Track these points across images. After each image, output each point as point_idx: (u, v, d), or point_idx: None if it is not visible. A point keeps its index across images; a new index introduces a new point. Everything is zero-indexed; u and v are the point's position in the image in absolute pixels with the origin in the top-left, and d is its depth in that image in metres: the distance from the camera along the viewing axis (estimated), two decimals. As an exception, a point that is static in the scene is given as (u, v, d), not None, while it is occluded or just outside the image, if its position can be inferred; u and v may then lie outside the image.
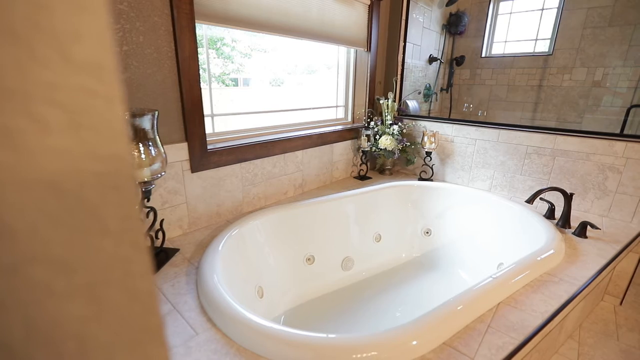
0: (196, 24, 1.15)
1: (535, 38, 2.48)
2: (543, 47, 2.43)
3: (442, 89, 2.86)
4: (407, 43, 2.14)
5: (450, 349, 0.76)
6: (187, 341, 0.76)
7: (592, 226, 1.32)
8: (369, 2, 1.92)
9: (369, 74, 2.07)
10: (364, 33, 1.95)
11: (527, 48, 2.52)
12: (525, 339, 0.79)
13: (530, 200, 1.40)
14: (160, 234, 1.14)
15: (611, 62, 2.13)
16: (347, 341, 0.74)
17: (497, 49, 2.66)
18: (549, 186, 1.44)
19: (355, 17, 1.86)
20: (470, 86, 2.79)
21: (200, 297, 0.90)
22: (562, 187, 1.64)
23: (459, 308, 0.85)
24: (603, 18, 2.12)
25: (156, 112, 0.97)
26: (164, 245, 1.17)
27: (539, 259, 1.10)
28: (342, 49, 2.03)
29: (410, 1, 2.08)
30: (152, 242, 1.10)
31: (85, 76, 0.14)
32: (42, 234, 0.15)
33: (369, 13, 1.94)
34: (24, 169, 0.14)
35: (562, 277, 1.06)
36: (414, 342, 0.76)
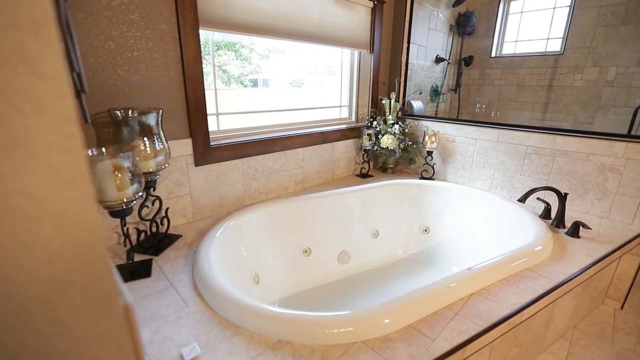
0: (201, 30, 1.26)
1: (547, 37, 2.43)
2: (555, 46, 2.38)
3: (450, 89, 2.86)
4: (411, 44, 2.18)
5: (414, 330, 0.81)
6: (178, 311, 0.86)
7: (584, 226, 1.32)
8: (371, 5, 1.97)
9: (372, 75, 2.12)
10: (366, 35, 2.01)
11: (538, 47, 2.48)
12: (489, 327, 0.83)
13: (522, 200, 1.41)
14: (165, 221, 1.26)
15: (624, 61, 2.07)
16: (325, 318, 0.81)
17: (508, 49, 2.63)
18: (545, 186, 1.44)
19: (357, 20, 1.92)
20: (479, 86, 2.77)
21: (194, 276, 1.00)
22: (562, 188, 1.63)
23: (429, 295, 0.90)
24: (616, 16, 2.06)
25: (160, 110, 1.09)
26: (169, 232, 1.29)
27: (519, 255, 1.12)
28: (347, 50, 2.10)
29: (415, 3, 2.11)
30: (157, 228, 1.22)
31: (46, 82, 0.23)
32: (19, 176, 0.24)
33: (372, 15, 2.00)
34: (9, 137, 0.23)
35: (542, 273, 1.08)
36: (386, 321, 0.82)
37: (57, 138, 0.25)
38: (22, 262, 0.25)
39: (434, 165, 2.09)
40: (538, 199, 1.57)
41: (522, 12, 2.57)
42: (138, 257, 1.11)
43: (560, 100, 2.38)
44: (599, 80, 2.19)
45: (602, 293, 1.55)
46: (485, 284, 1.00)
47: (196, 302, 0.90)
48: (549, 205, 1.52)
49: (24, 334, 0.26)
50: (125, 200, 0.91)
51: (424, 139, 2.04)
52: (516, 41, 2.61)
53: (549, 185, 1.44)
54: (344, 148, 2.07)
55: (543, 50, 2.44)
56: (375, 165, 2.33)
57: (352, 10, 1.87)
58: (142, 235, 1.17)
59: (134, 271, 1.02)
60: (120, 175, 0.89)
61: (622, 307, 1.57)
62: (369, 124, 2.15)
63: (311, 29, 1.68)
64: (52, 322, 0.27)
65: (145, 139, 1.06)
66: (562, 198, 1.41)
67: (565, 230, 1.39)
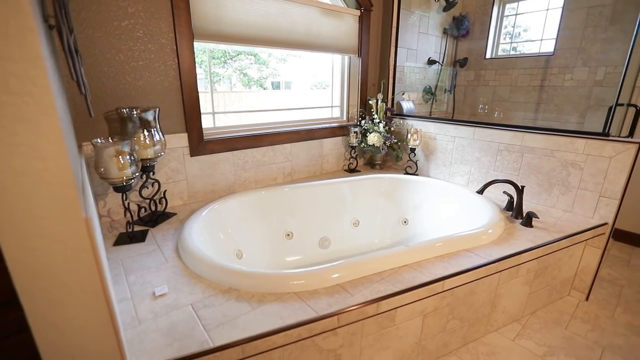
0: (196, 43, 1.51)
1: (540, 38, 2.47)
2: (549, 47, 2.42)
3: (446, 90, 2.95)
4: (399, 48, 2.32)
5: (340, 288, 0.99)
6: (159, 265, 1.10)
7: (534, 216, 1.41)
8: (358, 13, 2.15)
9: (360, 77, 2.29)
10: (354, 41, 2.18)
11: (532, 49, 2.53)
12: (404, 289, 0.99)
13: (480, 191, 1.52)
14: (163, 201, 1.52)
15: (613, 61, 2.08)
16: (263, 274, 1.01)
17: (502, 50, 2.69)
18: (503, 179, 1.54)
19: (344, 27, 2.10)
20: (474, 87, 2.84)
21: (177, 241, 1.24)
22: (530, 183, 1.71)
23: (361, 263, 1.07)
24: (604, 17, 2.09)
25: (157, 109, 1.34)
26: (166, 210, 1.55)
27: (458, 237, 1.25)
28: (338, 55, 2.28)
29: (403, 9, 2.26)
30: (156, 206, 1.48)
31: (39, 88, 0.45)
32: (25, 135, 0.46)
33: (359, 22, 2.17)
34: (21, 115, 0.46)
35: (477, 254, 1.21)
36: (335, 275, 1.01)
37: (45, 117, 0.47)
38: (27, 182, 0.47)
39: (417, 162, 2.21)
40: (504, 192, 1.67)
41: (516, 15, 2.62)
42: (138, 228, 1.37)
43: (551, 100, 2.41)
44: (589, 80, 2.21)
45: (567, 284, 1.62)
46: (418, 259, 1.15)
47: (175, 259, 1.14)
48: (512, 197, 1.62)
49: (24, 222, 0.48)
50: (125, 178, 1.17)
51: (407, 136, 2.17)
52: (511, 42, 2.67)
53: (507, 179, 1.54)
54: (333, 145, 2.26)
55: (537, 51, 2.48)
56: (365, 161, 2.49)
57: (339, 19, 2.06)
58: (143, 210, 1.44)
59: (132, 237, 1.27)
60: (121, 158, 1.15)
61: (587, 299, 1.62)
62: (358, 123, 2.32)
63: (298, 38, 1.88)
64: (41, 217, 0.49)
65: (145, 132, 1.32)
66: (519, 191, 1.51)
67: (521, 220, 1.49)
